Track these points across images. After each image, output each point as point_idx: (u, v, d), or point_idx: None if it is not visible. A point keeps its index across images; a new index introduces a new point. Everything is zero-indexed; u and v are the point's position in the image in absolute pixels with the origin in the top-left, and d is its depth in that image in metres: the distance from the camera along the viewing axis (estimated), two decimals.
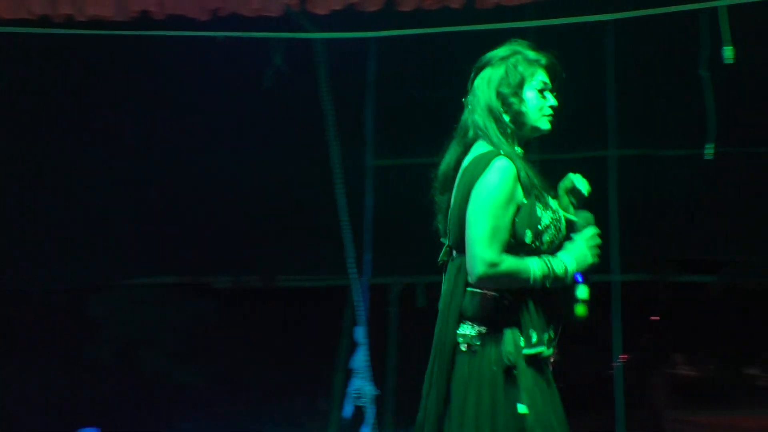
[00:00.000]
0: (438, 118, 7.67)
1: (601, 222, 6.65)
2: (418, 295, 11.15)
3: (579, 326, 3.91)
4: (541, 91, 3.91)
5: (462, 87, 7.18)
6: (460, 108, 7.44)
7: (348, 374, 6.63)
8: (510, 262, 3.63)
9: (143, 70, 6.74)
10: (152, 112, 7.28)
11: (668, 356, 13.55)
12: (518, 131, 3.95)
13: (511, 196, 3.70)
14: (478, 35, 6.17)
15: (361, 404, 6.32)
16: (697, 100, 5.69)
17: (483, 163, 3.76)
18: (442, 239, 3.91)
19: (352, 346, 6.64)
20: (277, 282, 11.39)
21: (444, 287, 3.81)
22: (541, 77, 3.90)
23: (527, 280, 3.65)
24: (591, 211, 7.91)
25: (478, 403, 3.63)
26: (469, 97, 4.05)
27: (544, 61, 3.91)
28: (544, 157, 7.01)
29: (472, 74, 4.01)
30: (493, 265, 3.59)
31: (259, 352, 12.49)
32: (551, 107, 3.94)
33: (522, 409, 3.64)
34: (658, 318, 12.17)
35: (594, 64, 6.34)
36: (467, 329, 3.70)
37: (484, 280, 3.62)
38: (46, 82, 6.79)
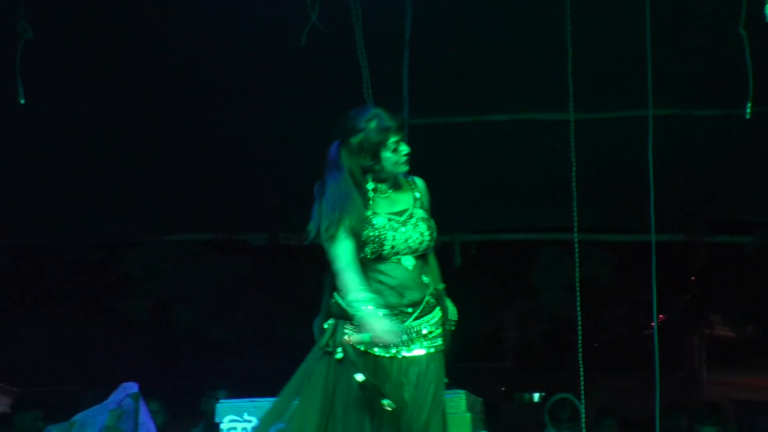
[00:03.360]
0: (473, 76, 7.67)
1: (638, 182, 6.64)
2: (456, 253, 11.14)
3: None
4: (394, 150, 4.53)
5: (496, 45, 7.15)
6: (493, 66, 7.44)
7: None
8: None
9: (174, 28, 6.72)
10: (185, 71, 7.26)
11: (705, 317, 13.50)
12: (380, 175, 4.61)
13: None
14: None
15: None
16: (735, 59, 5.61)
17: None
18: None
19: None
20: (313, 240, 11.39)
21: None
22: (392, 139, 4.51)
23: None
24: (627, 169, 7.86)
25: None
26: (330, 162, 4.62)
27: (392, 125, 4.52)
28: (583, 117, 7.01)
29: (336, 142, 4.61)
30: None
31: (294, 309, 12.54)
32: (405, 154, 4.57)
33: None
34: (694, 279, 12.10)
35: (631, 24, 6.27)
36: None
37: None
38: (79, 40, 6.78)
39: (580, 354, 6.27)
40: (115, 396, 6.68)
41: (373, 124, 4.52)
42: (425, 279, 4.60)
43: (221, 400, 5.52)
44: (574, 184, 6.34)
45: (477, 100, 7.93)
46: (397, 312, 4.46)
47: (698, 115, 7.88)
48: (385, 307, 4.41)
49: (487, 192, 9.20)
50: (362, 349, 4.45)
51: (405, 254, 4.53)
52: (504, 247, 11.89)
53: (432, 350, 4.53)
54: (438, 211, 9.62)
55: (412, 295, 4.52)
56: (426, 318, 4.55)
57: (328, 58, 6.94)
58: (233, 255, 11.44)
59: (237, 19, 6.54)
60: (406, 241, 4.54)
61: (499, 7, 6.55)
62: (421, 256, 4.62)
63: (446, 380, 4.58)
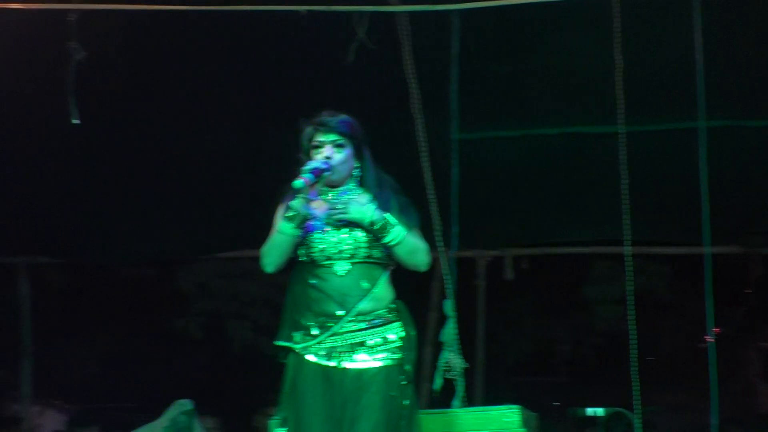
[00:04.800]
0: (522, 90, 7.66)
1: (691, 193, 6.60)
2: (506, 267, 11.11)
3: None
4: (315, 152, 4.65)
5: (545, 58, 7.14)
6: (541, 80, 7.42)
7: (437, 347, 6.61)
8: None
9: (224, 47, 6.76)
10: (236, 88, 7.31)
11: (761, 329, 13.41)
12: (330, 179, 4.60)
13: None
14: (561, 7, 6.12)
15: (450, 377, 6.29)
16: None
17: None
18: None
19: (441, 320, 6.61)
20: None
21: None
22: (315, 139, 4.66)
23: (279, 235, 4.74)
24: (680, 181, 7.79)
25: None
26: None
27: (313, 124, 4.65)
28: (635, 129, 6.97)
29: None
30: None
31: None
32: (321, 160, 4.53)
33: None
34: (750, 291, 12.00)
35: (682, 33, 6.24)
36: None
37: None
38: (131, 58, 6.84)
39: (634, 368, 6.23)
40: (169, 413, 6.72)
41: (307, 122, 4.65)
42: (364, 284, 4.44)
43: (274, 417, 5.52)
44: (624, 196, 6.30)
45: (526, 113, 7.92)
46: (336, 321, 4.40)
47: (751, 126, 7.81)
48: (322, 316, 4.43)
49: (538, 205, 9.18)
50: (313, 360, 4.41)
51: (338, 259, 4.47)
52: (556, 261, 11.86)
53: (380, 364, 4.41)
54: (489, 225, 9.64)
55: (352, 303, 4.41)
56: (375, 330, 4.44)
57: (376, 74, 6.95)
58: (285, 271, 11.48)
59: (285, 37, 6.56)
60: (337, 245, 4.49)
61: (547, 20, 6.53)
62: (364, 264, 4.49)
63: (394, 394, 4.40)
